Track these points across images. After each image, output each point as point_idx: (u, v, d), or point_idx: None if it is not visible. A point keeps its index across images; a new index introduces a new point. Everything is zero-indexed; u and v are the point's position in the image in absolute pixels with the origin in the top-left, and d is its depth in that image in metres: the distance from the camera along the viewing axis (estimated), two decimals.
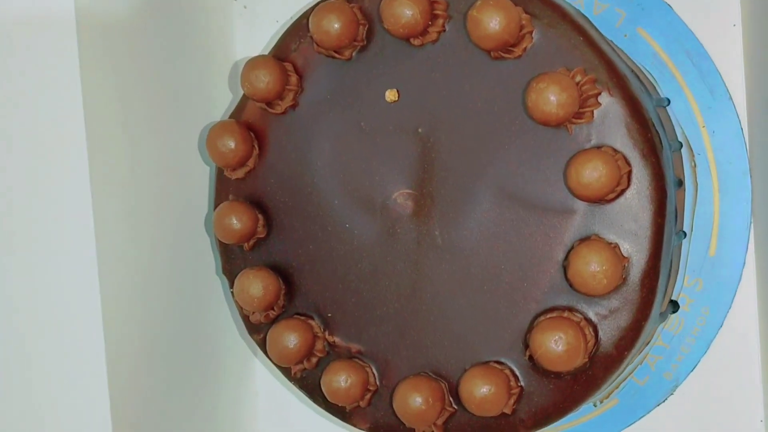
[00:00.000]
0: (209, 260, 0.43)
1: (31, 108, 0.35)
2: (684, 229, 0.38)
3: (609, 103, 0.33)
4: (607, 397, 0.41)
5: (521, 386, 0.35)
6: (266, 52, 0.41)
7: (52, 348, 0.36)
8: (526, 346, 0.34)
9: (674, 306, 0.39)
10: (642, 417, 0.40)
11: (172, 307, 0.41)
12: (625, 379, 0.40)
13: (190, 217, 0.42)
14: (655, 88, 0.39)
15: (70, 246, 0.35)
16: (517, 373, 0.35)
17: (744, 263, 0.39)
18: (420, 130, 0.37)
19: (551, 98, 0.32)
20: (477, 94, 0.35)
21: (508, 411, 0.35)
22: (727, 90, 0.39)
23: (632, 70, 0.36)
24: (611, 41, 0.37)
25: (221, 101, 0.44)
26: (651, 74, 0.40)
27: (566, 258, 0.34)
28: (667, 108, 0.39)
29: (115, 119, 0.37)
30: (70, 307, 0.35)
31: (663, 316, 0.37)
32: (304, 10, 0.39)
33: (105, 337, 0.35)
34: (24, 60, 0.35)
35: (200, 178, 0.43)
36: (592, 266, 0.32)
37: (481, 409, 0.34)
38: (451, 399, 0.36)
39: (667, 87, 0.39)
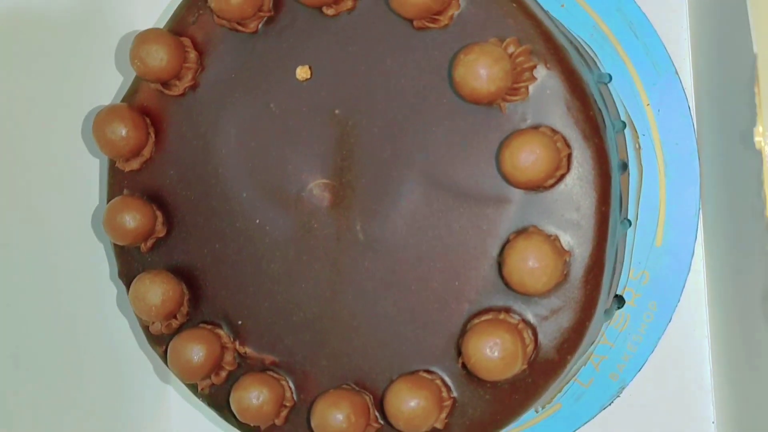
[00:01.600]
0: (102, 263, 0.39)
1: None
2: (629, 218, 0.35)
3: (546, 78, 0.30)
4: (549, 402, 0.38)
5: (454, 397, 0.31)
6: (161, 26, 0.36)
7: None
8: (459, 352, 0.31)
9: (619, 301, 0.37)
10: (587, 422, 0.38)
11: (58, 320, 0.36)
12: (568, 381, 0.37)
13: (77, 215, 0.38)
14: (596, 63, 0.36)
15: None
16: (449, 382, 0.31)
17: (693, 253, 0.36)
18: (337, 111, 0.33)
19: (481, 72, 0.29)
20: (399, 69, 0.32)
21: (439, 426, 0.31)
22: (673, 64, 0.36)
23: (571, 42, 0.32)
24: (547, 11, 0.33)
25: (109, 83, 0.39)
26: (591, 48, 0.36)
27: (501, 253, 0.30)
28: (609, 85, 0.36)
29: None
30: None
31: (608, 314, 0.34)
32: None
33: None
34: None
35: (88, 172, 0.38)
36: (530, 262, 0.29)
37: (410, 425, 0.31)
38: (377, 414, 0.32)
39: (608, 62, 0.36)
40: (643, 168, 0.36)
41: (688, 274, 0.36)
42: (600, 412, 0.37)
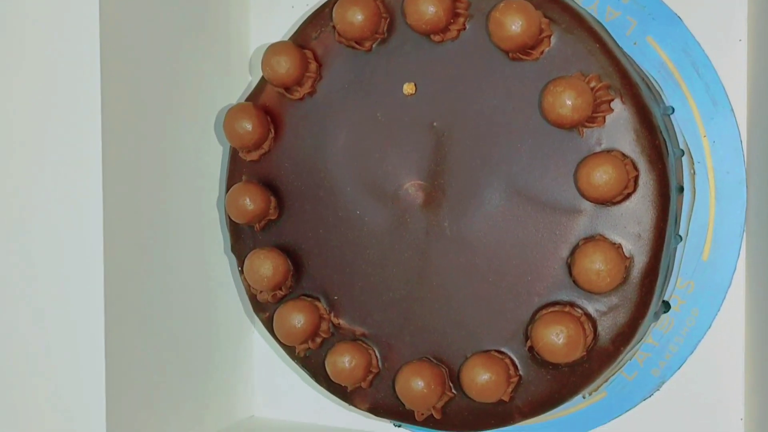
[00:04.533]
0: (218, 237, 0.44)
1: (48, 84, 0.36)
2: (680, 233, 0.40)
3: (620, 110, 0.35)
4: (596, 390, 0.42)
5: (520, 375, 0.36)
6: (281, 37, 0.41)
7: (54, 312, 0.37)
8: (527, 337, 0.36)
9: (666, 306, 0.41)
10: (628, 410, 0.42)
11: (177, 280, 0.42)
12: (615, 373, 0.42)
13: (201, 194, 0.43)
14: (661, 96, 0.41)
15: (78, 214, 0.36)
16: (517, 362, 0.36)
17: (735, 269, 0.41)
18: (435, 124, 0.38)
19: (567, 102, 0.34)
20: (493, 92, 0.37)
21: (505, 398, 0.36)
22: (729, 102, 0.40)
23: (642, 79, 0.37)
24: (622, 48, 0.38)
25: (238, 84, 0.45)
26: (657, 82, 0.41)
27: (571, 255, 0.35)
28: (671, 116, 0.40)
29: (133, 97, 0.38)
30: (73, 274, 0.36)
31: (656, 316, 0.39)
32: None
33: (105, 307, 0.36)
34: (43, 40, 0.36)
35: (214, 157, 0.44)
36: (597, 264, 0.34)
37: (481, 395, 0.36)
38: (451, 384, 0.37)
39: (671, 95, 0.41)
40: (696, 191, 0.41)
41: (729, 287, 0.40)
42: (641, 402, 0.42)
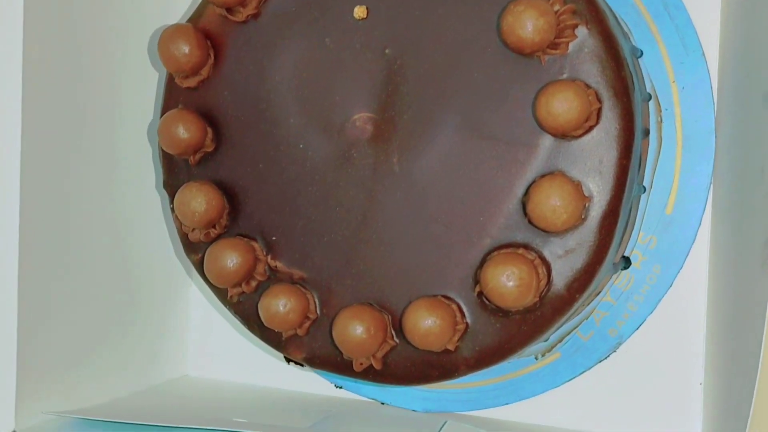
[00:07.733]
0: (149, 172, 0.41)
1: None
2: (644, 184, 0.38)
3: (585, 37, 0.32)
4: (549, 351, 0.40)
5: (467, 323, 0.34)
6: None
7: None
8: (477, 282, 0.33)
9: (626, 262, 0.39)
10: (583, 372, 0.40)
11: (103, 218, 0.38)
12: (569, 333, 0.40)
13: (132, 123, 0.40)
14: (629, 37, 0.38)
15: None
16: (464, 309, 0.34)
17: (700, 224, 0.39)
18: (387, 51, 0.35)
19: (528, 23, 0.31)
20: (450, 17, 0.34)
21: (450, 347, 0.34)
22: (701, 46, 0.38)
23: (611, 10, 0.35)
24: None
25: (178, 3, 0.42)
26: (626, 23, 0.39)
27: (526, 193, 0.33)
28: (640, 59, 0.38)
29: (56, 15, 0.34)
30: None
31: (615, 268, 0.36)
32: None
33: (19, 250, 0.33)
34: None
35: (148, 84, 0.41)
36: (553, 200, 0.31)
37: (424, 342, 0.33)
38: (393, 332, 0.35)
39: (641, 38, 0.39)
40: (662, 140, 0.39)
41: (693, 243, 0.39)
42: (596, 364, 0.40)
